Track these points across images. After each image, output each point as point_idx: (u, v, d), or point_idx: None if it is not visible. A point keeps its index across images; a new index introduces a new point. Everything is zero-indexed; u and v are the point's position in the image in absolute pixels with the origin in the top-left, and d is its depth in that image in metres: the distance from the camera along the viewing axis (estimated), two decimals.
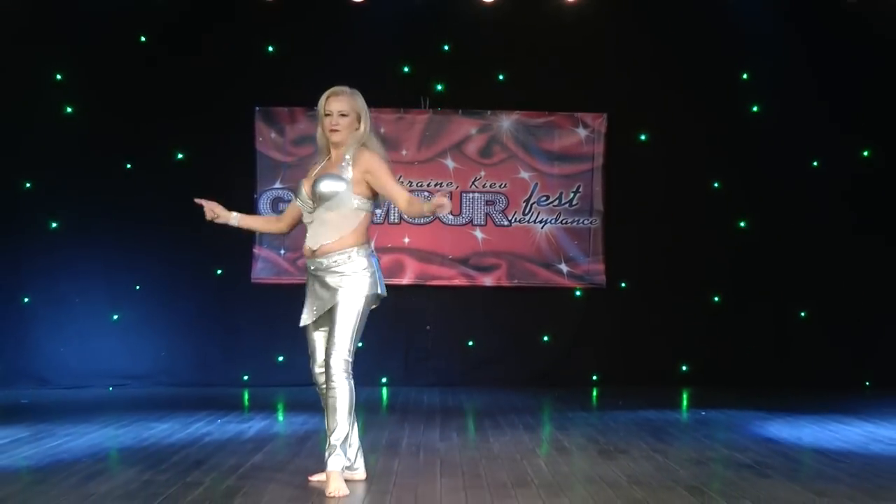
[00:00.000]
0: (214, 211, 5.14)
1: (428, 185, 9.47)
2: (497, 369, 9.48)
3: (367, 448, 5.70)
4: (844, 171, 9.51)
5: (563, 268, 9.57)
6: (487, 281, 9.57)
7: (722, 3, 9.20)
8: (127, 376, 9.23)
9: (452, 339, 9.58)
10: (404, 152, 9.48)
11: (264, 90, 9.34)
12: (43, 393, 8.81)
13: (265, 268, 9.44)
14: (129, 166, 9.29)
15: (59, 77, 9.26)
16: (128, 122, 9.09)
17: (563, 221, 9.57)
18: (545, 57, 9.38)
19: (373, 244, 5.20)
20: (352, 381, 4.89)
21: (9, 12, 8.86)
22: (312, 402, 5.10)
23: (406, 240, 9.53)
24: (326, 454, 4.88)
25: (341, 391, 4.85)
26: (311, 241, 4.95)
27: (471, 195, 9.56)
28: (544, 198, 9.57)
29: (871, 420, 7.39)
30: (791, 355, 9.46)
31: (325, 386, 4.93)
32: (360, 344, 5.01)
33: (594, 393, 9.21)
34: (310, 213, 4.97)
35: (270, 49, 9.42)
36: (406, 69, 9.54)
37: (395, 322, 9.11)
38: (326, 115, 4.97)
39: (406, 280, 9.50)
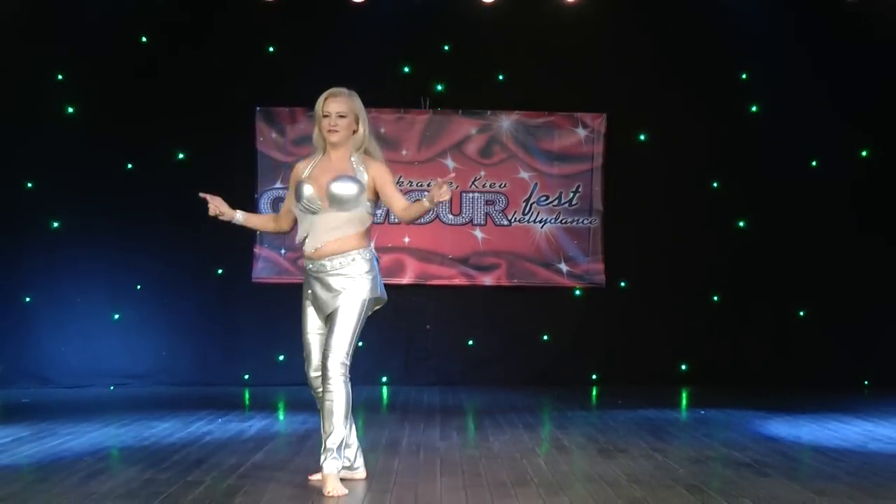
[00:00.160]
0: (219, 208, 5.06)
1: (428, 185, 9.46)
2: (497, 369, 9.50)
3: (367, 447, 5.72)
4: (844, 170, 9.51)
5: (563, 267, 9.58)
6: (487, 280, 9.59)
7: (721, 3, 9.20)
8: (128, 375, 9.24)
9: (452, 338, 9.59)
10: (404, 152, 9.50)
11: (265, 90, 9.35)
12: (44, 392, 8.83)
13: (266, 267, 9.46)
14: (129, 166, 9.31)
15: (60, 77, 9.27)
16: (129, 122, 9.10)
17: (563, 221, 9.58)
18: (545, 57, 9.38)
19: (373, 246, 5.20)
20: (349, 385, 4.85)
21: (10, 12, 8.87)
22: (313, 401, 5.09)
23: (406, 239, 9.54)
24: (322, 458, 4.86)
25: (338, 395, 4.81)
26: (313, 242, 4.89)
27: (471, 195, 9.58)
28: (544, 197, 9.58)
29: (870, 419, 7.41)
30: (790, 355, 9.47)
31: (321, 389, 4.88)
32: (360, 343, 5.01)
33: (594, 392, 9.23)
34: (313, 213, 4.91)
35: (271, 49, 9.43)
36: (406, 69, 9.55)
37: (395, 321, 9.10)
38: (324, 116, 4.95)
39: (406, 280, 9.51)
